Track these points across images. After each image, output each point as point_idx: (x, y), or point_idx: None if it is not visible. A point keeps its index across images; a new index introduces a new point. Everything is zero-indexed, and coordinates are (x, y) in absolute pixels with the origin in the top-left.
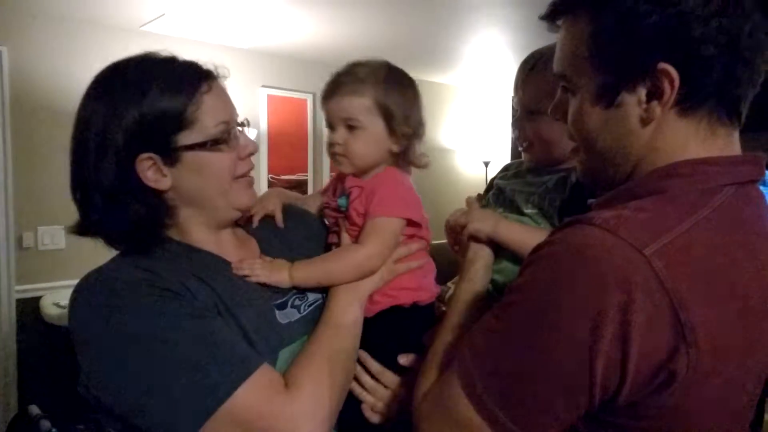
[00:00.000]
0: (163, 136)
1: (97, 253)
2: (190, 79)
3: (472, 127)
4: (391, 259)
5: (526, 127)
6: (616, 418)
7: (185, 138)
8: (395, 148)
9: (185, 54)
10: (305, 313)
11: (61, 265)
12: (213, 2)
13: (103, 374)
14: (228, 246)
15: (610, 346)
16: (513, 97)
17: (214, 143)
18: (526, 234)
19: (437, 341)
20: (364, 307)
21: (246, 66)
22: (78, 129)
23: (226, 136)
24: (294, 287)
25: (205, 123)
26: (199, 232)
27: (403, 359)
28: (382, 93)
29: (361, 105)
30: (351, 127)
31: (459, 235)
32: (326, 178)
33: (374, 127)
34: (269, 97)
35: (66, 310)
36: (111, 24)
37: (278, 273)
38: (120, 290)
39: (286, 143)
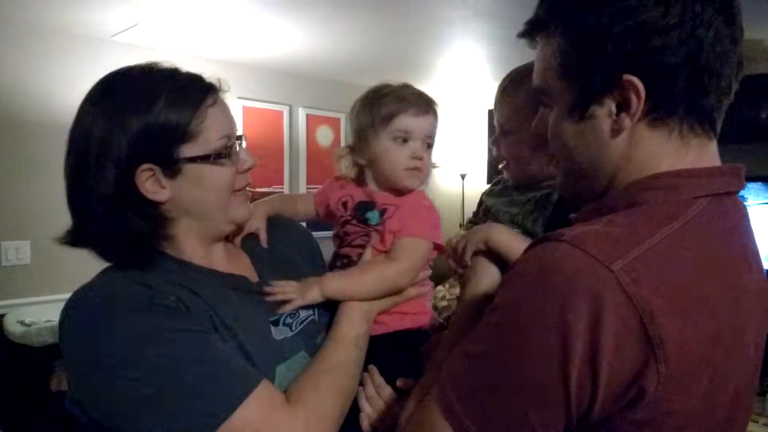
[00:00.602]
0: (167, 147)
1: (64, 270)
2: (195, 92)
3: (449, 140)
4: None
5: (501, 145)
6: None
7: (188, 150)
8: None
9: None
10: (297, 330)
11: (27, 281)
12: (187, 13)
13: (96, 390)
14: (220, 260)
15: (580, 362)
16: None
17: (216, 157)
18: (517, 241)
19: (428, 373)
20: (371, 325)
21: (221, 77)
22: (77, 136)
23: (228, 150)
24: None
25: (209, 136)
26: (192, 245)
27: (401, 383)
28: None
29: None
30: (429, 146)
31: (461, 258)
32: (302, 190)
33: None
34: (245, 108)
35: (31, 329)
36: (81, 33)
37: (310, 292)
38: (117, 305)
39: (262, 155)
